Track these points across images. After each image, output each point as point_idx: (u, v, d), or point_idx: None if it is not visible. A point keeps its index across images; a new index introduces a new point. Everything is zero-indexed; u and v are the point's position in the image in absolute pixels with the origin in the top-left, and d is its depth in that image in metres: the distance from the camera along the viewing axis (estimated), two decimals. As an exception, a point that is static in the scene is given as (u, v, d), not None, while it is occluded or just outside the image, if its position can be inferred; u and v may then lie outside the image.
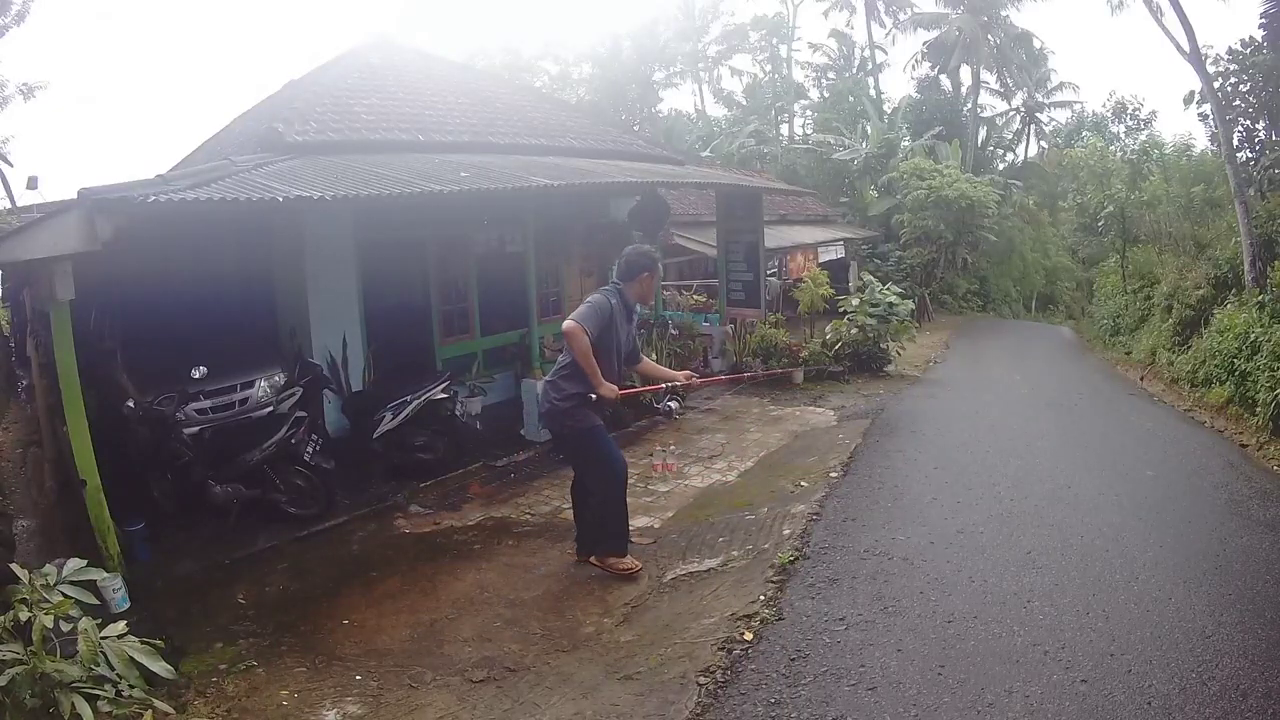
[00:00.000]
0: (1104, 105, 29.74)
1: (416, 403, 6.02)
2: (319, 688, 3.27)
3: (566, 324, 3.95)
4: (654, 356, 8.16)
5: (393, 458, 5.99)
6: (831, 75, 32.14)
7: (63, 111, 52.43)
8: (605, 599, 3.98)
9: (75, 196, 4.14)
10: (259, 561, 4.68)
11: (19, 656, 2.40)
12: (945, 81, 28.07)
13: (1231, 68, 11.85)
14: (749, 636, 3.19)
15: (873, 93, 29.39)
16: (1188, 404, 8.56)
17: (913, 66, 28.73)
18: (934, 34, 26.94)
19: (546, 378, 4.29)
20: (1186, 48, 10.05)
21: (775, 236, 13.85)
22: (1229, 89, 11.80)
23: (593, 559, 4.32)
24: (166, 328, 5.54)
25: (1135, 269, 15.15)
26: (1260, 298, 8.32)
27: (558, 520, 5.36)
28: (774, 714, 2.65)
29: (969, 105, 27.38)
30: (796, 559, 3.98)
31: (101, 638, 2.58)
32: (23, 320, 7.65)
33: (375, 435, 5.92)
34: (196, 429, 5.12)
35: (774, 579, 3.73)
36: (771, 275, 12.99)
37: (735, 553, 4.33)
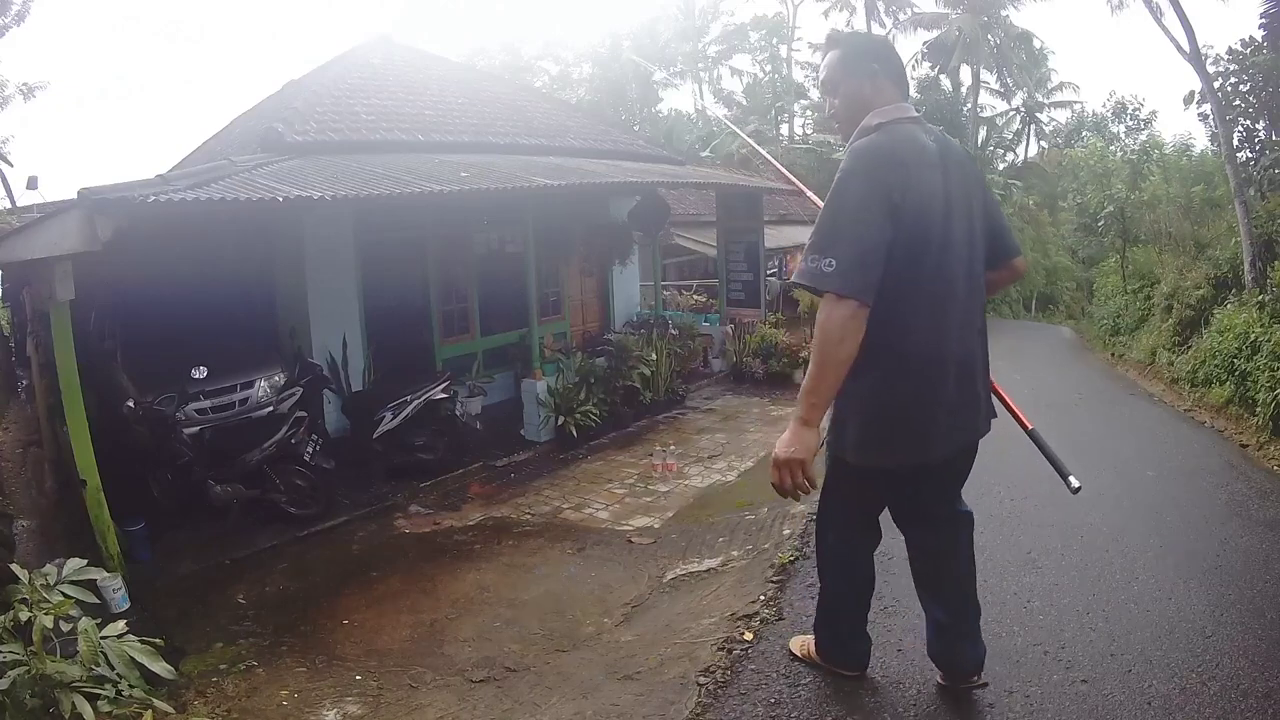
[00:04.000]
0: (1104, 105, 29.59)
1: (416, 403, 6.03)
2: (319, 688, 3.27)
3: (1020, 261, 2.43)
4: (654, 357, 8.17)
5: (393, 458, 6.00)
6: (832, 75, 32.09)
7: (63, 111, 52.42)
8: (605, 599, 3.98)
9: (75, 196, 4.14)
10: (259, 561, 4.69)
11: (19, 657, 2.40)
12: (945, 81, 28.05)
13: (1231, 68, 11.83)
14: (749, 636, 3.19)
15: (873, 93, 29.33)
16: (1188, 404, 8.55)
17: (913, 66, 28.66)
18: (934, 34, 26.93)
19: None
20: (1186, 48, 10.04)
21: (775, 236, 13.83)
22: (1229, 89, 11.78)
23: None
24: (166, 328, 5.55)
25: (1135, 269, 15.13)
26: (1260, 298, 8.31)
27: (558, 520, 5.37)
28: (774, 714, 2.64)
29: (969, 105, 27.36)
30: (797, 559, 3.97)
31: (101, 638, 2.58)
32: (23, 320, 7.65)
33: (375, 435, 5.93)
34: (196, 429, 5.13)
35: (774, 579, 3.73)
36: (771, 275, 12.98)
37: (735, 553, 4.32)
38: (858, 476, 2.29)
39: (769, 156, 3.69)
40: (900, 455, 2.18)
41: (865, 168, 1.99)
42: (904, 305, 2.03)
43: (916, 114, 2.19)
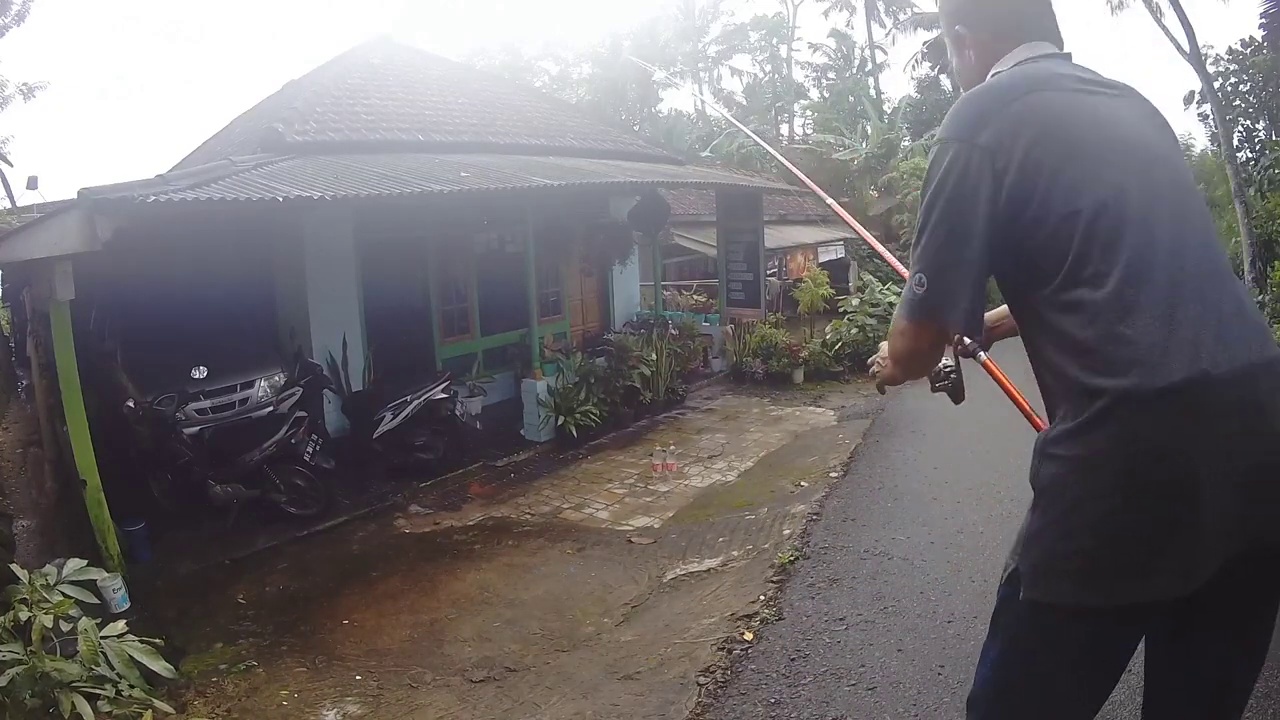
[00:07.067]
0: (1104, 105, 29.64)
1: (416, 403, 6.03)
2: (319, 688, 3.27)
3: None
4: (654, 357, 8.17)
5: (393, 458, 6.00)
6: (831, 75, 32.13)
7: (63, 111, 52.45)
8: (605, 599, 3.98)
9: (75, 196, 4.14)
10: (259, 561, 4.69)
11: (19, 656, 2.40)
12: (945, 81, 28.07)
13: (1231, 68, 11.87)
14: (749, 636, 3.19)
15: (873, 93, 29.37)
16: (1188, 404, 8.58)
17: (913, 66, 28.74)
18: (934, 34, 26.91)
19: None
20: (1186, 48, 10.05)
21: (775, 236, 13.83)
22: (1229, 89, 11.82)
23: None
24: (166, 328, 5.55)
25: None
26: (1260, 297, 8.32)
27: (558, 520, 5.37)
28: (774, 714, 2.65)
29: (969, 105, 27.39)
30: (796, 559, 3.97)
31: (101, 637, 2.58)
32: (23, 320, 7.66)
33: (375, 435, 5.93)
34: (196, 429, 5.13)
35: (774, 579, 3.73)
36: (771, 275, 12.98)
37: (735, 553, 4.32)
38: (1064, 629, 1.30)
39: (777, 155, 3.68)
40: (1155, 579, 1.16)
41: (951, 131, 1.36)
42: (1099, 298, 1.16)
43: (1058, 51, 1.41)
